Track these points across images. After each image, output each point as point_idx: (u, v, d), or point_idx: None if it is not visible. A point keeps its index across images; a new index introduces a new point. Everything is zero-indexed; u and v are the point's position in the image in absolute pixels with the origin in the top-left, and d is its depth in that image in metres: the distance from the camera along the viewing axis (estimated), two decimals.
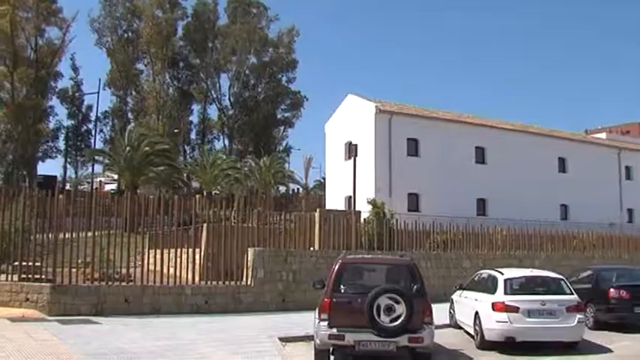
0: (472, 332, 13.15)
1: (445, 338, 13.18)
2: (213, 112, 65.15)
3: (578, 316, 12.14)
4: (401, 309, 9.88)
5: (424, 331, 10.07)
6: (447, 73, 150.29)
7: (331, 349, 10.36)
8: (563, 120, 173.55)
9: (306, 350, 11.48)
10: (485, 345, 12.31)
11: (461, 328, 14.54)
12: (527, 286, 12.85)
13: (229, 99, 63.26)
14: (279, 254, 19.05)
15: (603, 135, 54.83)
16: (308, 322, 11.78)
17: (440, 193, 33.90)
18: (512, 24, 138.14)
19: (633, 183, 45.35)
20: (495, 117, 43.78)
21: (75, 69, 59.82)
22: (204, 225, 20.80)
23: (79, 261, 16.84)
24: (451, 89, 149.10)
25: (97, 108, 58.54)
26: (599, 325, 15.33)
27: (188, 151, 63.57)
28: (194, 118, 65.40)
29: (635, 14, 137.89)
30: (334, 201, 37.03)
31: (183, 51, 63.57)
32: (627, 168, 45.66)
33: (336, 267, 10.64)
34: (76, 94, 60.27)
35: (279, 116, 65.07)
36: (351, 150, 36.69)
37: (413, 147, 35.39)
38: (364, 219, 24.50)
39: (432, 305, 10.59)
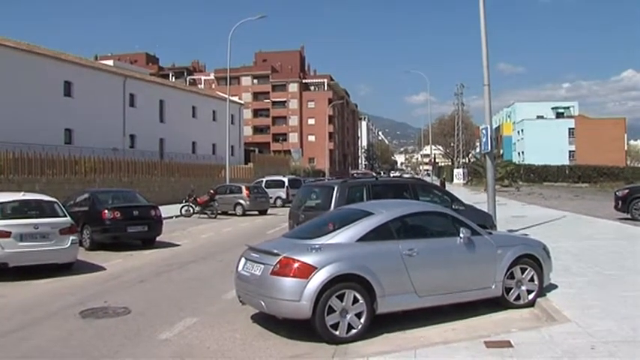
0: None
1: None
2: None
3: (72, 237, 12.58)
4: None
5: None
6: None
7: None
8: (74, 44, 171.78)
9: None
10: None
11: None
12: (19, 210, 12.57)
13: None
14: None
15: (111, 62, 56.34)
16: None
17: None
18: None
19: (136, 110, 48.37)
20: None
21: None
22: None
23: None
24: None
25: None
26: (96, 246, 16.37)
27: None
28: None
29: None
30: None
31: None
32: (132, 95, 48.28)
33: None
34: None
35: None
36: None
37: None
38: None
39: None
